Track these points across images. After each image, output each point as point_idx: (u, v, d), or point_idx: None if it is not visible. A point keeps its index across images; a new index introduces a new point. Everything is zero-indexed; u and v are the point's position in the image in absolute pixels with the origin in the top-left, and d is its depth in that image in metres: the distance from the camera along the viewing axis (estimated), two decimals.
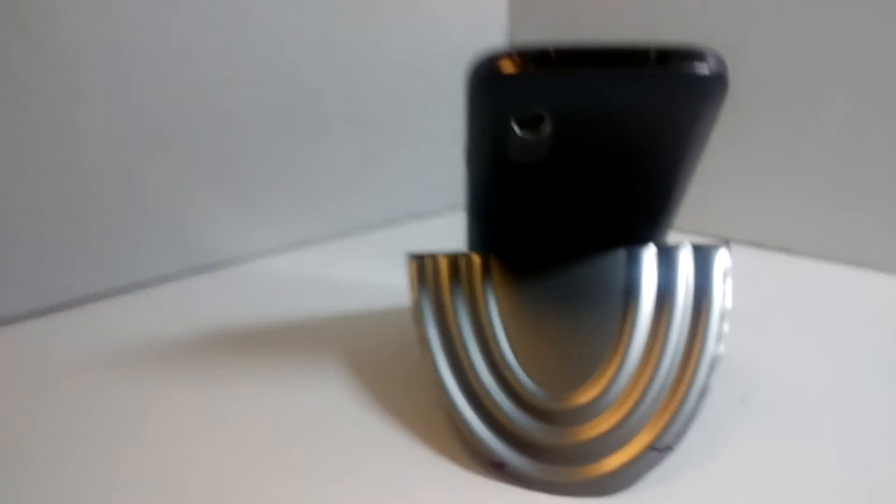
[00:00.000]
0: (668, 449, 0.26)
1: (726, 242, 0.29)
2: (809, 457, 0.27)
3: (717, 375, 0.27)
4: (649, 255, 0.29)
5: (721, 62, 0.22)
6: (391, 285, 0.35)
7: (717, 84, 0.22)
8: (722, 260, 0.28)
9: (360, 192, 0.43)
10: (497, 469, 0.26)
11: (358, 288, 0.38)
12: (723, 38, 0.37)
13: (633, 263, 0.29)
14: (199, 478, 0.25)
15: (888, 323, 0.36)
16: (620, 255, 0.29)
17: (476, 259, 0.30)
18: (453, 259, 0.30)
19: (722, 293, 0.28)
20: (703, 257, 0.28)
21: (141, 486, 0.25)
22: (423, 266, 0.29)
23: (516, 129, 0.24)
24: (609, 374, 0.27)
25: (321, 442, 0.28)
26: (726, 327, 0.28)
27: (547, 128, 0.24)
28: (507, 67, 0.22)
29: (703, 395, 0.26)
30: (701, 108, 0.23)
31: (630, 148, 0.25)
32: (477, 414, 0.27)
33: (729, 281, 0.28)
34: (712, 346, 0.27)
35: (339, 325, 0.36)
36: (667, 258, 0.29)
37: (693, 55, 0.22)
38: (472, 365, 0.28)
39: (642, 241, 0.29)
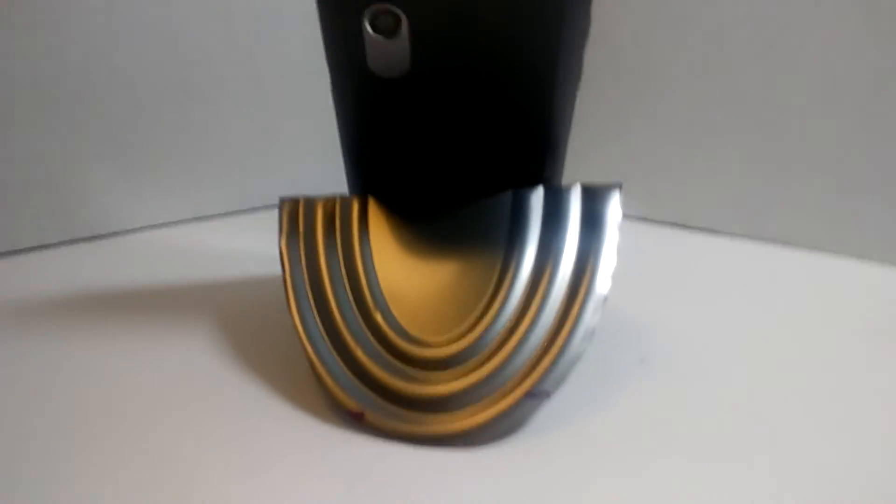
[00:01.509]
0: (545, 394, 0.23)
1: (619, 184, 0.27)
2: (703, 415, 0.25)
3: (601, 316, 0.24)
4: (537, 197, 0.27)
5: None
6: None
7: None
8: (613, 200, 0.26)
9: (262, 167, 0.41)
10: (356, 419, 0.23)
11: (247, 259, 0.36)
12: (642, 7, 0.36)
13: (519, 205, 0.27)
14: (51, 432, 0.24)
15: (803, 296, 0.34)
16: (506, 197, 0.27)
17: (355, 202, 0.28)
18: (330, 202, 0.27)
19: (612, 235, 0.26)
20: (593, 197, 0.26)
21: None
22: (295, 209, 0.27)
23: (369, 29, 0.22)
24: (486, 320, 0.25)
25: (177, 398, 0.26)
26: (613, 268, 0.25)
27: (403, 31, 0.22)
28: None
29: (588, 337, 0.24)
30: (564, 4, 0.21)
31: (498, 56, 0.23)
32: (340, 361, 0.25)
33: (619, 221, 0.26)
34: (599, 288, 0.25)
35: (218, 292, 0.33)
36: (555, 199, 0.27)
37: None
38: (340, 311, 0.25)
39: (531, 182, 0.27)
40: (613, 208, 0.26)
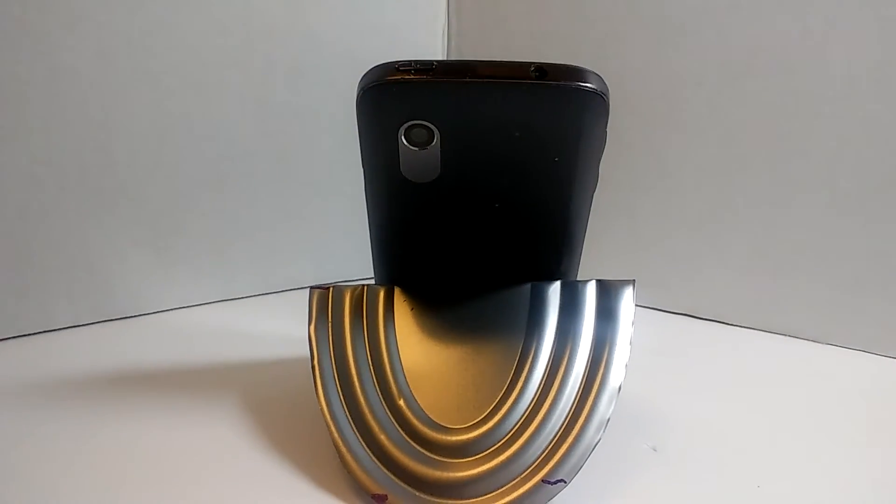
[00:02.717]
0: (560, 483, 0.24)
1: (632, 281, 0.28)
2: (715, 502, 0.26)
3: (616, 406, 0.26)
4: (554, 291, 0.29)
5: (600, 80, 0.23)
6: None
7: (594, 100, 0.23)
8: (627, 295, 0.28)
9: (290, 252, 0.43)
10: (379, 502, 0.24)
11: (275, 340, 0.37)
12: (652, 103, 0.39)
13: (537, 298, 0.29)
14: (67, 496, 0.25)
15: (810, 388, 0.35)
16: (525, 289, 0.29)
17: (380, 290, 0.29)
18: (357, 291, 0.29)
19: (626, 328, 0.27)
20: (608, 292, 0.28)
21: None
22: (325, 297, 0.29)
23: (404, 141, 0.24)
24: (504, 408, 0.26)
25: (204, 478, 0.27)
26: (628, 360, 0.27)
27: (436, 143, 0.24)
28: (391, 75, 0.22)
29: (602, 427, 0.25)
30: (581, 123, 0.23)
31: (519, 167, 0.25)
32: (364, 445, 0.26)
33: (632, 316, 0.28)
34: (613, 379, 0.26)
35: (246, 372, 0.34)
36: (572, 293, 0.28)
37: (571, 72, 0.22)
38: (365, 396, 0.27)
39: (549, 277, 0.29)
40: (627, 303, 0.28)
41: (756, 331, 0.41)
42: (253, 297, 0.43)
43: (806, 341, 0.40)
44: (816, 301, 0.40)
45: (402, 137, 0.24)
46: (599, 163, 0.25)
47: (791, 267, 0.40)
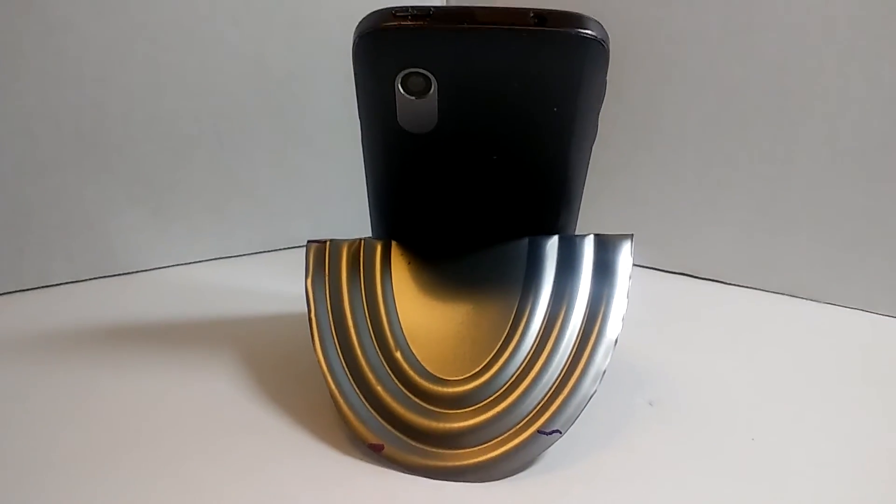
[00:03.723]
0: (556, 433, 0.24)
1: (630, 235, 0.28)
2: (709, 458, 0.26)
3: (611, 359, 0.26)
4: (552, 245, 0.28)
5: (600, 27, 0.22)
6: None
7: (594, 47, 0.22)
8: (625, 250, 0.28)
9: (288, 210, 0.43)
10: (376, 451, 0.25)
11: (273, 296, 0.37)
12: (653, 58, 0.38)
13: (535, 252, 0.28)
14: (78, 462, 0.25)
15: (807, 346, 0.35)
16: (523, 244, 0.29)
17: (377, 244, 0.29)
18: (354, 245, 0.29)
19: (623, 282, 0.27)
20: (605, 247, 0.28)
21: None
22: (322, 251, 0.29)
23: (401, 89, 0.24)
24: (501, 360, 0.26)
25: (202, 431, 0.27)
26: (625, 313, 0.27)
27: (433, 92, 0.24)
28: (387, 21, 0.22)
29: (598, 379, 0.25)
30: (581, 71, 0.23)
31: (518, 117, 0.25)
32: (361, 396, 0.26)
33: (630, 269, 0.27)
34: (610, 332, 0.26)
35: (244, 328, 0.34)
36: (569, 248, 0.28)
37: (571, 18, 0.22)
38: (362, 348, 0.27)
39: (547, 232, 0.29)
40: (625, 257, 0.28)
41: (755, 290, 0.41)
42: (250, 255, 0.43)
43: (805, 300, 0.40)
44: (815, 260, 0.40)
45: (399, 86, 0.24)
46: (598, 114, 0.25)
47: (790, 226, 0.39)
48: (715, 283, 0.42)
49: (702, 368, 0.32)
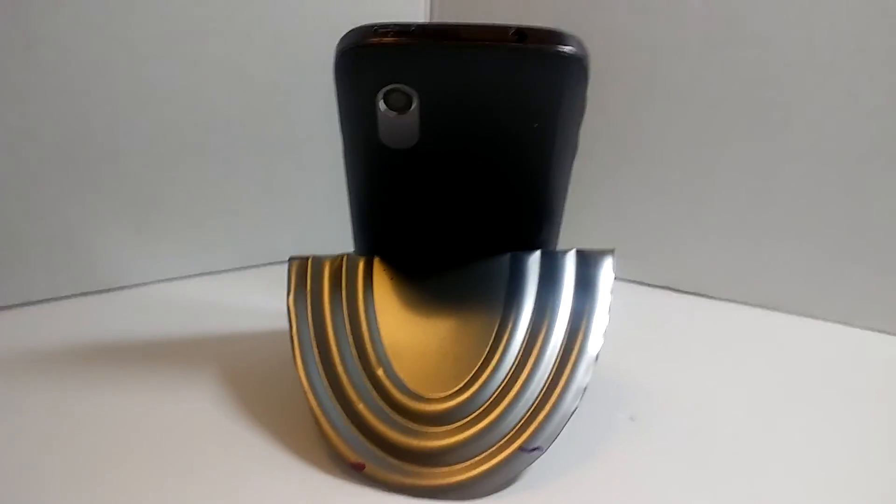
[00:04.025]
0: (537, 450, 0.24)
1: (612, 250, 0.28)
2: (691, 472, 0.26)
3: (592, 375, 0.26)
4: (534, 260, 0.29)
5: (580, 45, 0.23)
6: None
7: (574, 64, 0.22)
8: (606, 265, 0.28)
9: (271, 226, 0.43)
10: (357, 469, 0.24)
11: (255, 313, 0.37)
12: (634, 72, 0.39)
13: (517, 268, 0.28)
14: (58, 480, 0.25)
15: (789, 361, 0.35)
16: (505, 260, 0.29)
17: (360, 260, 0.29)
18: (336, 261, 0.29)
19: (604, 297, 0.27)
20: (587, 262, 0.28)
21: None
22: (304, 267, 0.29)
23: (383, 106, 0.24)
24: (483, 377, 0.26)
25: (180, 449, 0.27)
26: (606, 329, 0.27)
27: (414, 108, 0.24)
28: (369, 38, 0.22)
29: (579, 395, 0.25)
30: (561, 88, 0.23)
31: (499, 133, 0.25)
32: (342, 414, 0.26)
33: (611, 285, 0.28)
34: (591, 348, 0.26)
35: (225, 345, 0.34)
36: (551, 263, 0.28)
37: (551, 35, 0.22)
38: (344, 366, 0.27)
39: (529, 247, 0.29)
40: (606, 272, 0.28)
41: (736, 304, 0.42)
42: (233, 271, 0.42)
43: (786, 314, 0.41)
44: (797, 274, 0.40)
45: (381, 102, 0.24)
46: (579, 130, 0.25)
47: (772, 239, 0.40)
48: (697, 296, 0.42)
49: (683, 383, 0.32)
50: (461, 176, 0.26)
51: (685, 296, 0.43)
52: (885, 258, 0.37)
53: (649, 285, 0.44)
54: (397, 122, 0.24)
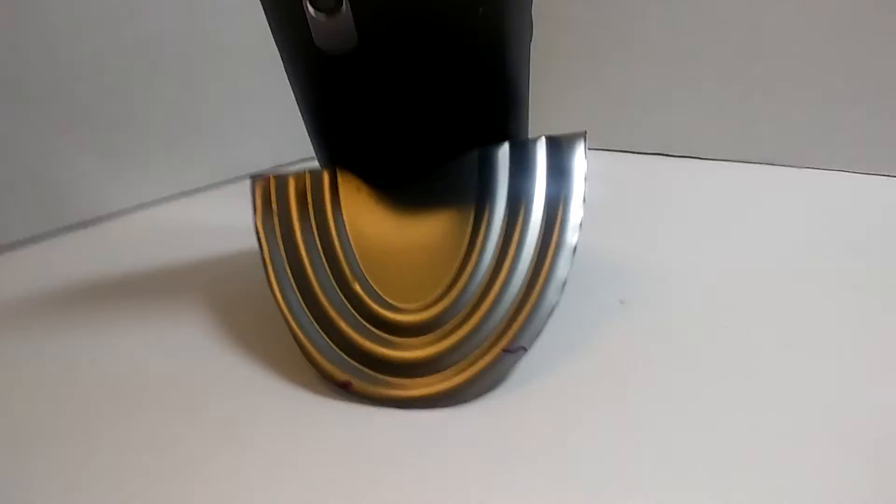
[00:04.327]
0: (521, 350, 0.24)
1: (583, 133, 0.27)
2: (684, 353, 0.26)
3: (572, 266, 0.25)
4: (503, 153, 0.27)
5: None
6: None
7: None
8: (578, 150, 0.26)
9: (241, 137, 0.41)
10: (344, 388, 0.24)
11: (233, 232, 0.36)
12: None
13: (486, 163, 0.27)
14: (47, 415, 0.24)
15: (787, 216, 0.34)
16: (473, 156, 0.27)
17: (324, 174, 0.28)
18: (301, 178, 0.28)
19: (579, 184, 0.26)
20: (558, 148, 0.27)
21: None
22: (267, 187, 0.28)
23: (310, 8, 0.22)
24: (461, 281, 0.25)
25: (170, 379, 0.26)
26: (581, 217, 0.26)
27: (345, 7, 0.22)
28: None
29: (559, 289, 0.25)
30: None
31: (443, 26, 0.23)
32: (323, 334, 0.25)
33: (585, 170, 0.26)
34: (569, 239, 0.25)
35: (206, 270, 0.34)
36: (521, 153, 0.27)
37: None
38: (319, 284, 0.26)
39: (497, 140, 0.27)
40: (579, 158, 0.26)
41: (732, 162, 0.40)
42: (207, 189, 0.41)
43: (784, 167, 0.39)
44: (793, 124, 0.38)
45: (308, 4, 0.21)
46: (531, 9, 0.23)
47: (763, 90, 0.38)
48: (690, 159, 0.41)
49: (676, 256, 0.32)
50: (412, 76, 0.25)
51: (678, 160, 0.41)
52: (882, 99, 0.35)
53: (641, 153, 0.42)
54: (330, 24, 0.22)
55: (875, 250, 0.31)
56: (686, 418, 0.22)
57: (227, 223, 0.37)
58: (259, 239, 0.27)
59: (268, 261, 0.26)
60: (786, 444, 0.20)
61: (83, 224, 0.39)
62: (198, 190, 0.41)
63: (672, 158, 0.41)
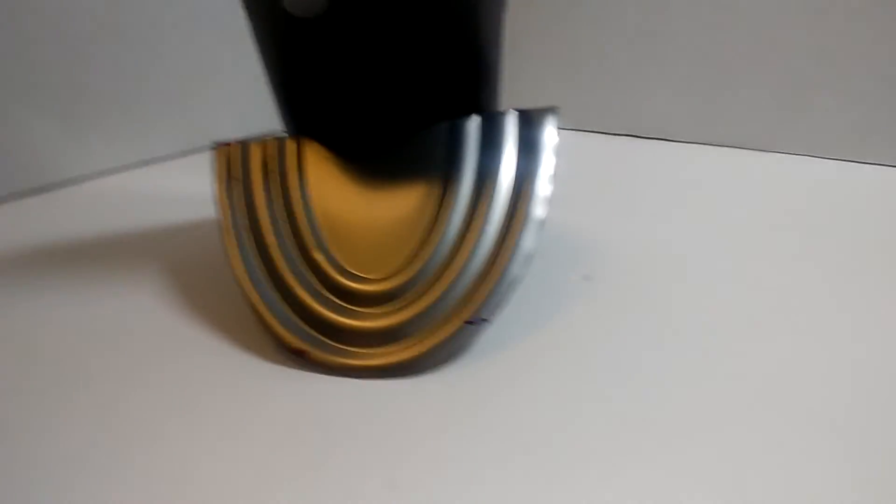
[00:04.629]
0: (482, 321, 0.24)
1: (554, 108, 0.27)
2: (647, 328, 0.26)
3: (541, 240, 0.25)
4: (473, 126, 0.27)
5: None
6: None
7: None
8: (549, 124, 0.26)
9: (207, 105, 0.40)
10: (299, 356, 0.24)
11: (196, 201, 0.35)
12: None
13: (455, 135, 0.27)
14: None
15: (754, 199, 0.34)
16: (442, 128, 0.27)
17: (290, 142, 0.27)
18: (264, 145, 0.27)
19: (548, 158, 0.26)
20: (529, 122, 0.26)
21: None
22: (231, 154, 0.27)
23: None
24: (426, 252, 0.25)
25: (124, 345, 0.26)
26: (551, 192, 0.25)
27: None
28: None
29: (526, 262, 0.25)
30: None
31: None
32: (281, 301, 0.25)
33: (555, 144, 0.26)
34: (536, 212, 0.25)
35: (167, 237, 0.33)
36: (491, 126, 0.26)
37: None
38: (281, 251, 0.26)
39: (467, 112, 0.27)
40: (549, 132, 0.26)
41: (700, 145, 0.40)
42: (173, 158, 0.40)
43: (752, 151, 0.40)
44: (761, 107, 0.38)
45: None
46: None
47: (733, 74, 0.38)
48: (659, 141, 0.41)
49: (642, 235, 0.32)
50: (382, 43, 0.24)
51: (647, 141, 0.41)
52: (851, 84, 0.36)
53: (612, 134, 0.42)
54: None
55: (839, 234, 0.31)
56: (646, 392, 0.22)
57: (190, 193, 0.36)
58: (220, 206, 0.26)
59: (227, 228, 0.26)
60: (747, 415, 0.20)
61: (40, 189, 0.38)
62: (161, 158, 0.40)
63: (642, 140, 0.41)
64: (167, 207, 0.36)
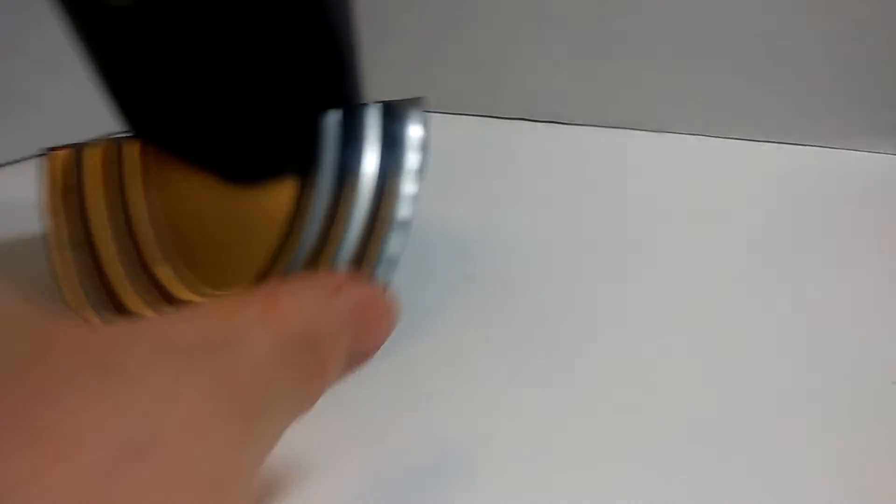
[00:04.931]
0: None
1: (420, 99, 0.25)
2: (531, 326, 0.25)
3: (408, 242, 0.23)
4: (333, 121, 0.25)
5: None
6: None
7: None
8: (415, 117, 0.24)
9: (60, 105, 0.37)
10: None
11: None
12: None
13: (312, 133, 0.25)
14: None
15: (646, 182, 0.34)
16: (298, 125, 0.25)
17: (129, 145, 0.25)
18: (105, 148, 0.24)
19: (414, 154, 0.24)
20: (393, 116, 0.24)
21: None
22: (63, 160, 0.24)
23: None
24: (281, 264, 0.23)
25: None
26: (418, 189, 0.24)
27: None
28: None
29: (393, 267, 0.23)
30: None
31: None
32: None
33: (419, 139, 0.24)
34: (401, 213, 0.23)
35: (9, 250, 0.30)
36: (352, 121, 0.24)
37: None
38: (121, 269, 0.23)
39: (326, 106, 0.25)
40: (414, 125, 0.24)
41: (593, 127, 0.39)
42: (25, 161, 0.37)
43: (644, 132, 0.39)
44: (651, 87, 0.38)
45: None
46: None
47: (625, 52, 0.37)
48: (553, 124, 0.40)
49: (527, 227, 0.31)
50: (215, 30, 0.21)
51: (540, 125, 0.40)
52: (739, 63, 0.35)
53: (502, 118, 0.40)
54: None
55: (729, 216, 0.31)
56: (529, 394, 0.21)
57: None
58: (48, 219, 0.23)
59: (56, 244, 0.23)
60: (628, 415, 0.20)
61: None
62: (12, 162, 0.36)
63: (534, 123, 0.40)
64: (14, 215, 0.32)
